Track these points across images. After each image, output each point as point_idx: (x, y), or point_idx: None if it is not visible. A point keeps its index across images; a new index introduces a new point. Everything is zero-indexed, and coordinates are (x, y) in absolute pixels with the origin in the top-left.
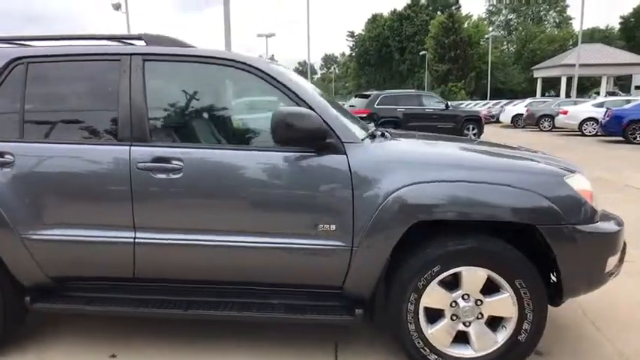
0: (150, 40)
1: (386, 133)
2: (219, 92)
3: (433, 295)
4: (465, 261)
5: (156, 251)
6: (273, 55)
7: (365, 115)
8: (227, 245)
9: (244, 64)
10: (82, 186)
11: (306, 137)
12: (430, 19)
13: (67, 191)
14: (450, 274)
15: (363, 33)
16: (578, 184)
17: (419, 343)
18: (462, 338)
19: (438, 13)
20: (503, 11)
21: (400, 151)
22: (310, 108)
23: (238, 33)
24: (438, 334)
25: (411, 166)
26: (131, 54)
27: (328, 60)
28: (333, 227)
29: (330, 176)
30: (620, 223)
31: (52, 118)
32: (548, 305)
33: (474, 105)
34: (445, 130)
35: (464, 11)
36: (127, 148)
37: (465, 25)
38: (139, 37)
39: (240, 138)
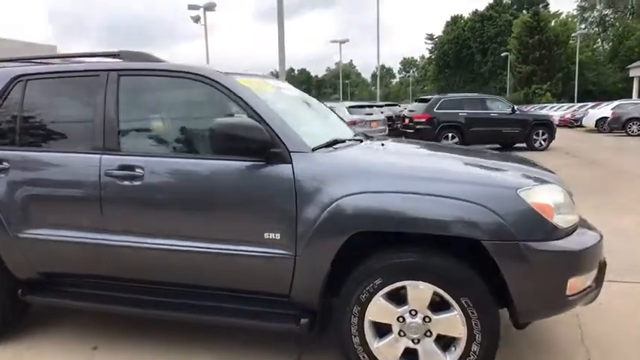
0: (126, 56)
1: (365, 141)
2: (183, 104)
3: (378, 309)
4: (408, 275)
5: (117, 252)
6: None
7: (424, 120)
8: (180, 250)
9: (203, 76)
10: (61, 190)
11: (247, 147)
12: (514, 19)
13: (48, 195)
14: (395, 288)
15: (443, 35)
16: (536, 197)
17: (364, 357)
18: (412, 355)
19: (523, 12)
20: (598, 6)
21: (348, 160)
22: (260, 118)
23: (316, 40)
24: (384, 349)
25: (355, 177)
26: (108, 70)
27: (407, 64)
28: (278, 236)
29: (275, 185)
30: (594, 240)
31: (41, 128)
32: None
33: (557, 108)
34: (511, 136)
35: (552, 8)
36: (99, 156)
37: (552, 24)
38: (117, 54)
39: (197, 147)
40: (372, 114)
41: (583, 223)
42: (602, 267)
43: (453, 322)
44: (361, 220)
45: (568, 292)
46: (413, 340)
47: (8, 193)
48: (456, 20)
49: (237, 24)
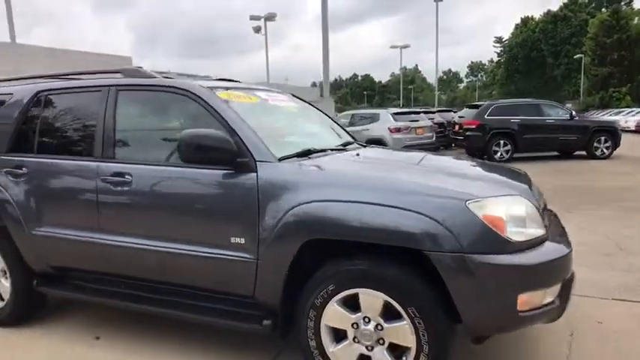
0: (127, 73)
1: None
2: (170, 116)
3: (333, 315)
4: (359, 283)
5: (108, 251)
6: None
7: (474, 127)
8: (159, 250)
9: (187, 91)
10: (65, 193)
11: (215, 157)
12: (591, 18)
13: (55, 197)
14: (349, 295)
15: (512, 38)
16: (487, 210)
17: None
18: None
19: (603, 10)
20: None
21: (308, 171)
22: (231, 130)
23: (384, 45)
24: (340, 354)
25: (309, 186)
26: (109, 85)
27: (475, 68)
28: (242, 240)
29: (241, 193)
30: (556, 254)
31: (54, 137)
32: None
33: (636, 113)
34: (569, 143)
35: (637, 5)
36: (96, 164)
37: (635, 21)
38: (119, 72)
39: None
40: (417, 120)
41: (556, 236)
42: (568, 282)
43: (403, 332)
44: (311, 228)
45: (520, 308)
46: (367, 347)
47: (25, 195)
48: (526, 22)
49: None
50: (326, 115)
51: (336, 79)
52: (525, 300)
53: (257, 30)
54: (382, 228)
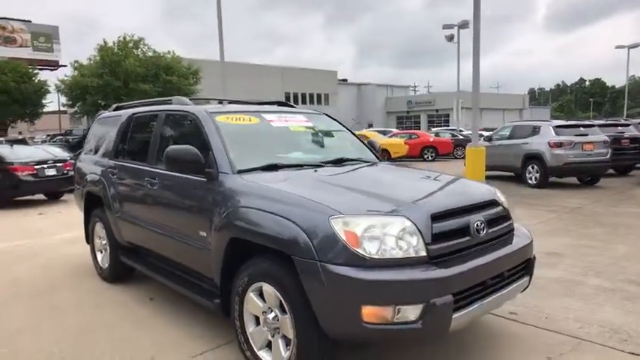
0: (175, 102)
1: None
2: (185, 133)
3: (250, 302)
4: (262, 278)
5: (145, 232)
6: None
7: None
8: (162, 235)
9: (193, 114)
10: (129, 187)
11: (190, 167)
12: None
13: (125, 190)
14: (258, 287)
15: None
16: (346, 226)
17: (241, 339)
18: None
19: None
20: None
21: (249, 182)
22: (209, 146)
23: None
24: (255, 336)
25: (241, 194)
26: (162, 111)
27: None
28: (205, 234)
29: (206, 196)
30: (404, 276)
31: (134, 148)
32: None
33: None
34: None
35: None
36: (147, 167)
37: None
38: (170, 101)
39: None
40: (586, 135)
41: (440, 263)
42: (430, 308)
43: (286, 324)
44: (234, 228)
45: (365, 320)
46: (271, 334)
47: (114, 189)
48: None
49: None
50: (351, 133)
51: (558, 85)
52: (370, 313)
53: (449, 39)
54: (271, 234)
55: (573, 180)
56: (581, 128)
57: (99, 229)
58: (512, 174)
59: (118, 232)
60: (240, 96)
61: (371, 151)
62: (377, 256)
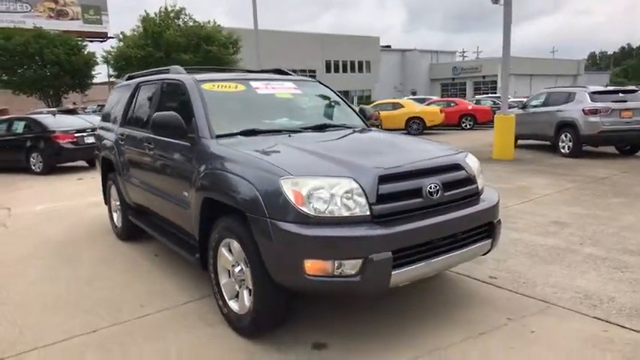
0: (171, 71)
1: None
2: (177, 100)
3: (222, 256)
4: (229, 234)
5: (146, 194)
6: None
7: None
8: (156, 195)
9: (181, 82)
10: (133, 152)
11: (174, 132)
12: None
13: (129, 155)
14: (227, 242)
15: None
16: (295, 186)
17: (215, 290)
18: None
19: None
20: None
21: (224, 147)
22: (192, 113)
23: None
24: (226, 287)
25: (216, 157)
26: (158, 80)
27: None
28: (187, 194)
29: (189, 159)
30: (343, 233)
31: (137, 115)
32: None
33: None
34: None
35: None
36: (146, 133)
37: None
38: (167, 70)
39: None
40: (625, 101)
41: (383, 222)
42: (368, 263)
43: (248, 277)
44: (205, 188)
45: (308, 272)
46: (239, 285)
47: (121, 154)
48: None
49: None
50: (342, 100)
51: (623, 48)
52: (312, 266)
53: (495, 1)
54: (232, 194)
55: (611, 149)
56: (621, 94)
57: (113, 191)
58: (547, 143)
59: (127, 194)
60: (277, 65)
61: (360, 118)
62: (320, 214)
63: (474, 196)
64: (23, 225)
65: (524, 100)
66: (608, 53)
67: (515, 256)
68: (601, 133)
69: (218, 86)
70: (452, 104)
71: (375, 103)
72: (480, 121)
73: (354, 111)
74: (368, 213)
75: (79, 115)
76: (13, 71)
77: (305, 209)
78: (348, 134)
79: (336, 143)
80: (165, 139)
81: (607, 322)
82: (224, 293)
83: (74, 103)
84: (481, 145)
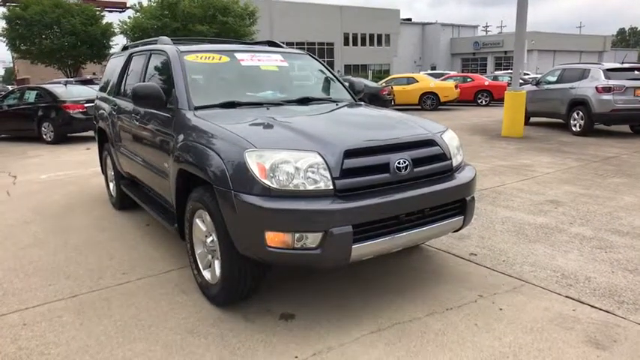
0: (159, 42)
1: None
2: (163, 70)
3: (196, 227)
4: (201, 205)
5: (134, 164)
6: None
7: None
8: (141, 165)
9: (165, 52)
10: (123, 123)
11: (153, 103)
12: None
13: (120, 126)
14: (200, 213)
15: None
16: (257, 159)
17: (191, 259)
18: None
19: None
20: None
21: (202, 118)
22: (173, 84)
23: None
24: (200, 257)
25: (192, 129)
26: (148, 50)
27: None
28: (166, 165)
29: (169, 130)
30: (304, 206)
31: (128, 85)
32: None
33: None
34: None
35: None
36: (131, 104)
37: None
38: (156, 41)
39: None
40: (639, 79)
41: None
42: (328, 236)
43: (217, 246)
44: (180, 159)
45: (269, 244)
46: (211, 255)
47: (113, 125)
48: None
49: None
50: (331, 73)
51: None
52: (273, 238)
53: None
54: (201, 165)
55: (626, 128)
56: (637, 72)
57: (109, 161)
58: (560, 121)
59: (119, 163)
60: (294, 37)
61: (348, 91)
62: (284, 187)
63: (448, 173)
64: (25, 192)
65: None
66: (639, 29)
67: (501, 234)
68: (614, 112)
69: (201, 57)
70: (468, 79)
71: (388, 77)
72: (497, 97)
73: (343, 85)
74: (331, 187)
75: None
76: (30, 41)
77: (267, 182)
78: (329, 109)
79: (312, 117)
80: (149, 110)
81: (578, 301)
82: (199, 263)
83: (94, 74)
84: (492, 121)
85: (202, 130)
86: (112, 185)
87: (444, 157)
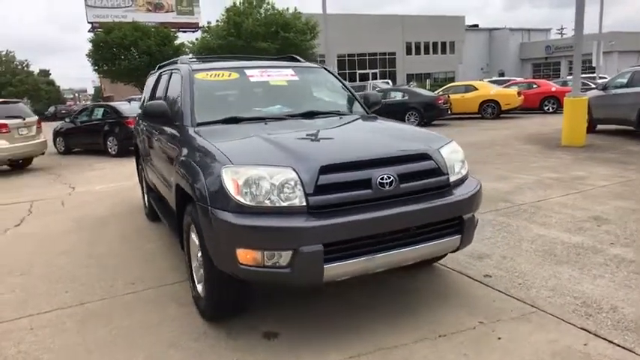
0: (179, 61)
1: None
2: (175, 88)
3: (192, 241)
4: (191, 220)
5: (154, 178)
6: None
7: None
8: (160, 177)
9: (180, 71)
10: (148, 138)
11: (160, 120)
12: None
13: (146, 140)
14: (194, 228)
15: None
16: (232, 175)
17: (189, 272)
18: None
19: None
20: None
21: (200, 135)
22: (182, 102)
23: None
24: (195, 270)
25: (190, 144)
26: (170, 69)
27: None
28: (172, 179)
29: (174, 146)
30: (275, 223)
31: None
32: None
33: None
34: None
35: None
36: None
37: None
38: (176, 61)
39: None
40: None
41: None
42: (298, 255)
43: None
44: (176, 176)
45: (240, 261)
46: (202, 269)
47: (143, 140)
48: None
49: None
50: (345, 87)
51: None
52: (243, 255)
53: None
54: (188, 182)
55: None
56: None
57: (142, 174)
58: (631, 128)
59: (147, 176)
60: (356, 49)
61: (361, 104)
62: (258, 204)
63: (443, 188)
64: (78, 203)
65: None
66: None
67: (526, 254)
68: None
69: (211, 75)
70: (534, 86)
71: (446, 86)
72: None
73: (356, 98)
74: (304, 204)
75: None
76: (111, 62)
77: (240, 198)
78: (331, 122)
79: (302, 132)
80: (162, 126)
81: (594, 334)
82: (194, 276)
83: None
84: (554, 130)
85: (195, 147)
86: (146, 197)
87: (438, 171)
